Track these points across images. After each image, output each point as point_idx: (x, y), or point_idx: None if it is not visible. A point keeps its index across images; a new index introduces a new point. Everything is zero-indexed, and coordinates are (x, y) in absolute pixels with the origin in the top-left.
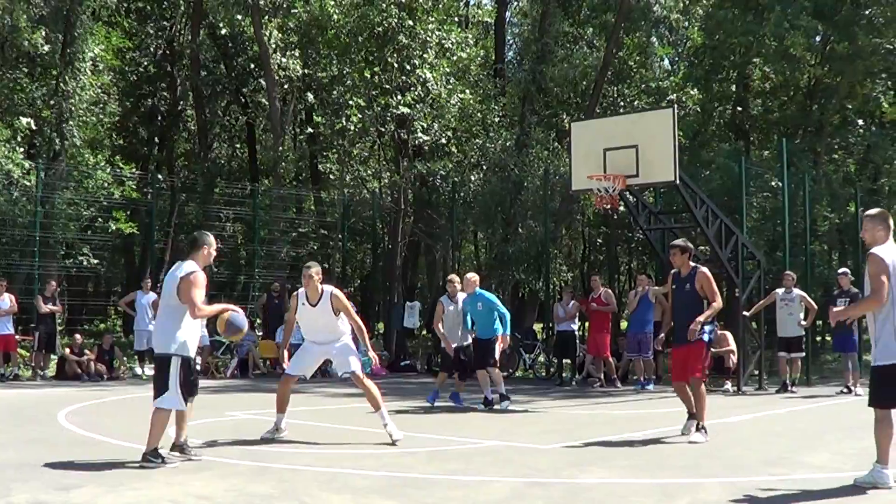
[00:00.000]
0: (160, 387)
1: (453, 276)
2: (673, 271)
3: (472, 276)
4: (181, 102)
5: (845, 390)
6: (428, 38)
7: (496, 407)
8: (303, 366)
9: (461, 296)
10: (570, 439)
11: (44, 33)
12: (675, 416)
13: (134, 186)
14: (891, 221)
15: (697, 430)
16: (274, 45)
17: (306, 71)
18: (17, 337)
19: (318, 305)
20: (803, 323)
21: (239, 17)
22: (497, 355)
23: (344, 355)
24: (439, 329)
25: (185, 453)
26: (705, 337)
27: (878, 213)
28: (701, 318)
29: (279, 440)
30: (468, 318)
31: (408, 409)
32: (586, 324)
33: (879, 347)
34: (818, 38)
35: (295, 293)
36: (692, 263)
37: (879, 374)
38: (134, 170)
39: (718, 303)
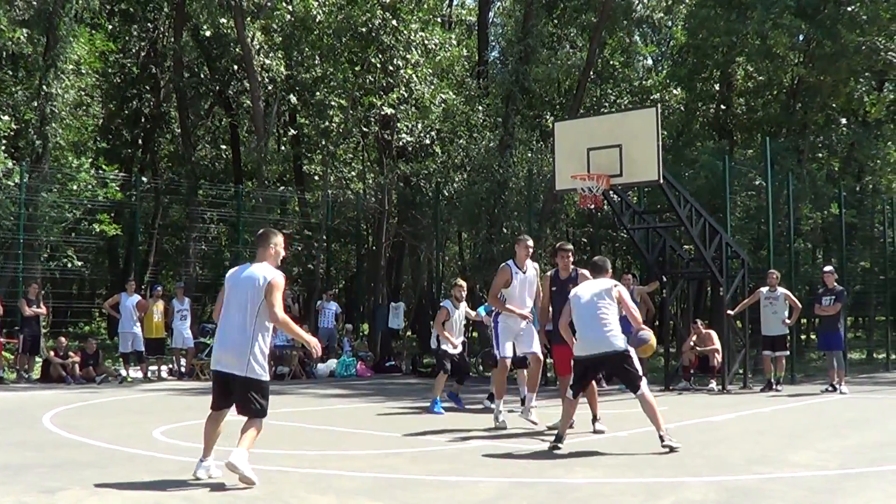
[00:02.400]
0: (633, 377)
1: (461, 281)
2: (551, 273)
3: None
4: (165, 104)
5: (830, 388)
6: (411, 39)
7: (489, 404)
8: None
9: (464, 304)
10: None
11: (25, 34)
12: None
13: (118, 188)
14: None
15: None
16: (257, 47)
17: (290, 72)
18: (1, 340)
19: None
20: (788, 321)
21: (222, 19)
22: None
23: (530, 336)
24: (442, 331)
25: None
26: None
27: (262, 232)
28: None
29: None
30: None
31: (392, 410)
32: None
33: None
34: (801, 37)
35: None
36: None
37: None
38: (118, 172)
39: None
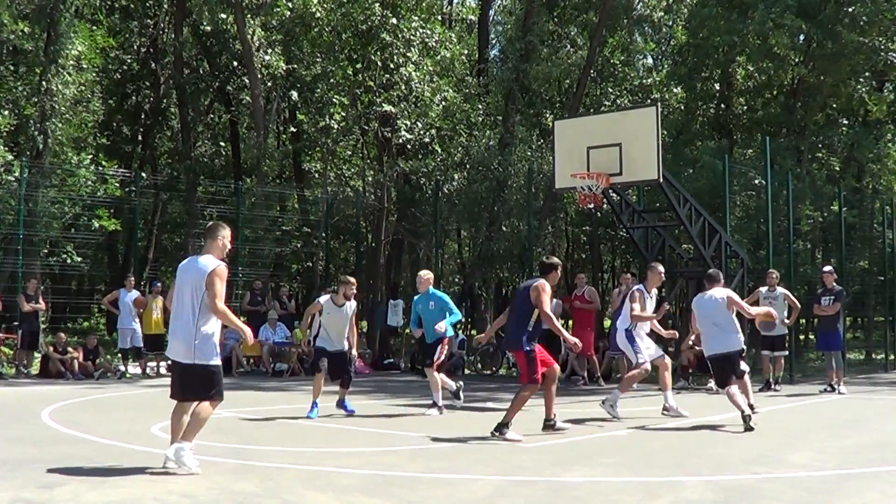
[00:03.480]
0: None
1: (350, 279)
2: (542, 283)
3: (426, 274)
4: (164, 100)
5: (829, 389)
6: (411, 37)
7: (429, 412)
8: None
9: (352, 303)
10: (553, 437)
11: (26, 29)
12: (657, 415)
13: (117, 184)
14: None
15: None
16: (257, 43)
17: (290, 67)
18: (0, 335)
19: None
20: (787, 321)
21: (222, 15)
22: (440, 357)
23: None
24: (306, 324)
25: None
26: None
27: (210, 225)
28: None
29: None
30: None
31: (391, 407)
32: (569, 322)
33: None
34: (802, 37)
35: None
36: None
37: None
38: (117, 168)
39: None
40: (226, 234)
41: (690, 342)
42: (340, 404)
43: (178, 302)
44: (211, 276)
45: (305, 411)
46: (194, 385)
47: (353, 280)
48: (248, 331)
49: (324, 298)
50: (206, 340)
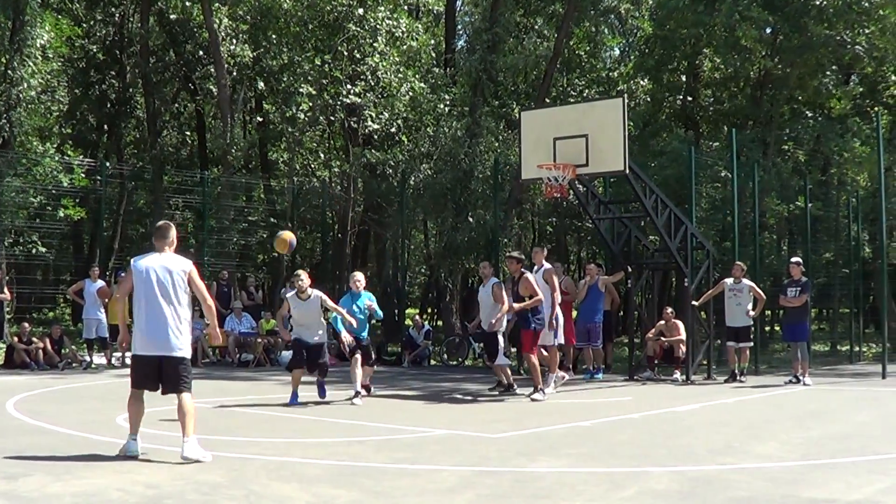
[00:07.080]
0: None
1: (297, 272)
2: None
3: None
4: (130, 89)
5: (794, 380)
6: (378, 27)
7: (356, 401)
8: None
9: (315, 292)
10: (518, 428)
11: None
12: (623, 405)
13: (83, 174)
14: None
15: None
16: (224, 33)
17: (257, 56)
18: None
19: None
20: (752, 313)
21: (188, 2)
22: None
23: None
24: (280, 323)
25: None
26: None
27: (161, 225)
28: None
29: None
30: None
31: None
32: None
33: None
34: (769, 30)
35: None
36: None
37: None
38: (83, 157)
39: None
40: (175, 233)
41: (659, 330)
42: (322, 387)
43: (152, 297)
44: (192, 273)
45: (273, 401)
46: (171, 377)
47: (298, 272)
48: (216, 333)
49: (289, 294)
50: (188, 333)
